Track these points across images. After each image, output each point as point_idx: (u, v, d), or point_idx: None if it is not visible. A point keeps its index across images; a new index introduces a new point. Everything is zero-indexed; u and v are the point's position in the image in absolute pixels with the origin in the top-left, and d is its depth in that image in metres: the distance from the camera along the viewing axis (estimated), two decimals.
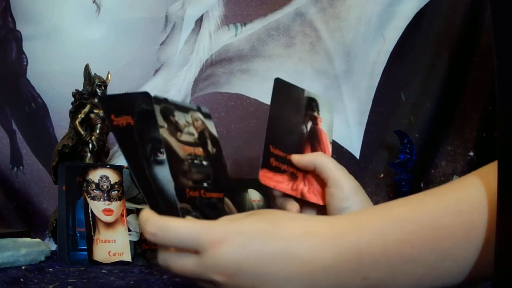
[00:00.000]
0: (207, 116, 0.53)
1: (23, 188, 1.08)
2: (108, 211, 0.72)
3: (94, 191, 0.73)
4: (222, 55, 1.10)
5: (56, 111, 1.09)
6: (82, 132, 0.84)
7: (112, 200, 0.73)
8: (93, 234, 0.71)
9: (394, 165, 0.98)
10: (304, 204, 0.56)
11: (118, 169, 0.75)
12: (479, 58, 1.03)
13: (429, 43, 1.05)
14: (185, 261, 0.40)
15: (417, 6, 1.06)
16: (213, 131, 0.53)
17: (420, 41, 1.06)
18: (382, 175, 1.06)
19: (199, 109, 0.52)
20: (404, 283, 0.39)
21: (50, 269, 0.66)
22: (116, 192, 0.73)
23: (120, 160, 1.05)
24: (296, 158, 0.56)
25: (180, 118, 0.48)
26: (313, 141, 0.59)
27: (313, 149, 0.58)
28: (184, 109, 0.50)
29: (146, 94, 0.45)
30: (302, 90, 0.59)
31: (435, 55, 1.05)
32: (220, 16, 1.10)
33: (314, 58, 1.08)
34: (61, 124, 1.07)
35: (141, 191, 0.45)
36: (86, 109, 0.85)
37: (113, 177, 0.74)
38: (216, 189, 0.49)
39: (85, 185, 0.72)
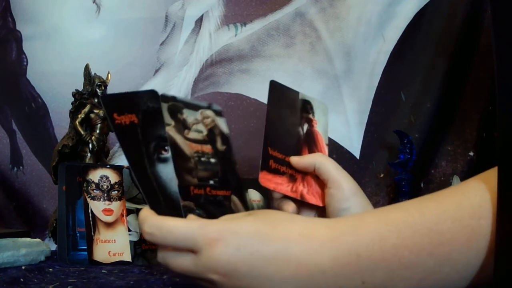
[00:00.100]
0: (218, 113, 0.52)
1: (23, 188, 1.08)
2: (108, 211, 0.72)
3: (94, 191, 0.73)
4: (222, 55, 1.10)
5: (56, 111, 1.09)
6: (82, 132, 0.84)
7: (112, 200, 0.73)
8: (93, 234, 0.71)
9: (394, 165, 0.98)
10: (303, 205, 0.56)
11: (118, 169, 0.75)
12: (479, 58, 1.03)
13: (429, 43, 1.05)
14: (183, 260, 0.40)
15: (417, 6, 1.06)
16: (224, 128, 0.52)
17: (420, 41, 1.06)
18: (382, 175, 1.06)
19: (210, 107, 0.51)
20: (402, 287, 0.39)
21: (50, 269, 0.66)
22: (116, 192, 0.73)
23: (120, 160, 1.05)
24: (295, 159, 0.56)
25: (189, 115, 0.48)
26: (310, 143, 0.59)
27: (310, 151, 0.58)
28: (194, 106, 0.49)
29: (153, 92, 0.45)
30: (297, 93, 0.59)
31: (435, 55, 1.04)
32: (220, 16, 1.10)
33: (314, 58, 1.08)
34: (61, 124, 1.07)
35: (141, 190, 0.45)
36: (86, 109, 0.85)
37: (113, 177, 0.74)
38: (223, 186, 0.49)
39: (85, 185, 0.72)
